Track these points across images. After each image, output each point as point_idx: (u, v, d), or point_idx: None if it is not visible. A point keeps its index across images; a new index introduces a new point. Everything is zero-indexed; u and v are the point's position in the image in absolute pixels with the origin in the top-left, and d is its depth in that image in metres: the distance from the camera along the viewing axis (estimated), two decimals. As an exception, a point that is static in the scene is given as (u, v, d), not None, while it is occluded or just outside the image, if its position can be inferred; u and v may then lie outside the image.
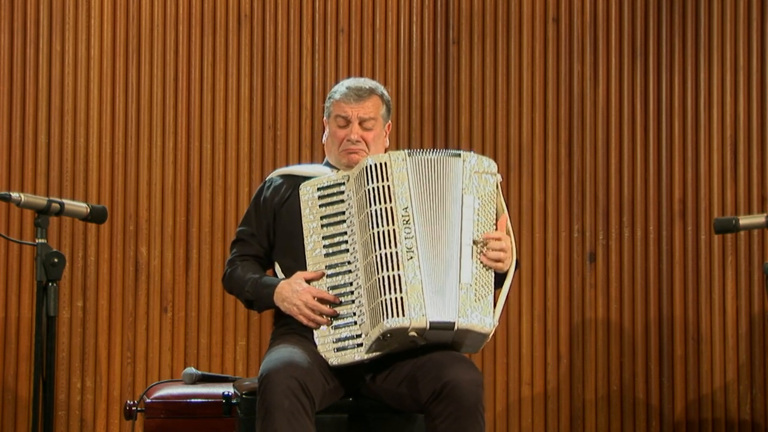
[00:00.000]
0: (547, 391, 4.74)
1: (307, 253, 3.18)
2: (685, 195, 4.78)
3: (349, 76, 4.74)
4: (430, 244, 3.08)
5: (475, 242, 3.09)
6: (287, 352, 3.03)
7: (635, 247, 4.77)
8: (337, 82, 4.72)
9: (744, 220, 3.74)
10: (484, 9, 4.81)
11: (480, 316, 3.03)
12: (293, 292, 3.15)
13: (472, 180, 3.16)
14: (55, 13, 4.72)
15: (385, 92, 3.42)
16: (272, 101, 4.75)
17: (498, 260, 3.11)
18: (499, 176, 3.22)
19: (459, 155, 3.19)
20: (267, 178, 3.47)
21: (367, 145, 3.31)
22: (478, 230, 3.11)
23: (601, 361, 4.74)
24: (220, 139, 4.73)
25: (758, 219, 3.74)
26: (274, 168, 4.67)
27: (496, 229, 3.15)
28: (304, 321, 3.13)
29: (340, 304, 3.11)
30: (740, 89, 4.81)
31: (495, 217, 3.17)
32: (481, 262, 3.09)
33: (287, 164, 4.59)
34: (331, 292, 3.13)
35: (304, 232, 3.19)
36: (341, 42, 4.78)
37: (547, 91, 4.81)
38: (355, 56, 4.78)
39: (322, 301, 3.12)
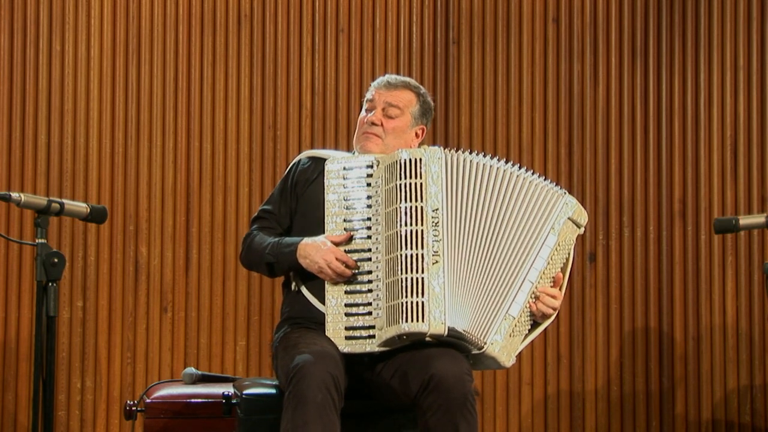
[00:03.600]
0: (547, 391, 4.74)
1: (327, 233, 3.13)
2: (685, 195, 4.79)
3: (349, 76, 4.75)
4: (468, 251, 3.05)
5: (534, 292, 3.10)
6: (318, 345, 3.01)
7: (635, 247, 4.77)
8: (337, 82, 4.76)
9: (744, 220, 3.74)
10: (484, 9, 4.81)
11: (508, 350, 3.05)
12: (317, 250, 3.11)
13: (562, 225, 3.14)
14: (55, 13, 4.72)
15: (426, 96, 3.38)
16: (272, 101, 4.75)
17: (544, 314, 3.12)
18: (581, 230, 3.20)
19: (564, 194, 3.17)
20: (296, 159, 3.43)
21: (384, 131, 3.27)
22: (544, 273, 3.11)
23: (601, 361, 4.74)
24: (220, 139, 4.73)
25: (758, 219, 3.74)
26: (274, 168, 4.69)
27: (554, 280, 3.15)
28: (325, 278, 3.09)
29: (358, 269, 3.07)
30: (740, 89, 4.81)
31: (560, 266, 3.16)
32: (530, 305, 3.10)
33: (287, 164, 4.59)
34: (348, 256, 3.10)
35: (326, 210, 3.13)
36: (341, 42, 4.78)
37: (547, 91, 4.81)
38: (355, 56, 4.78)
39: (345, 265, 3.08)
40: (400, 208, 3.01)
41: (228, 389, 3.57)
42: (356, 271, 3.08)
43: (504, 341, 3.03)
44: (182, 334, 4.68)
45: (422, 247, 2.98)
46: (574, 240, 3.19)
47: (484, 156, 3.16)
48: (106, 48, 4.72)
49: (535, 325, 3.16)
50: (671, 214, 4.78)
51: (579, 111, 4.80)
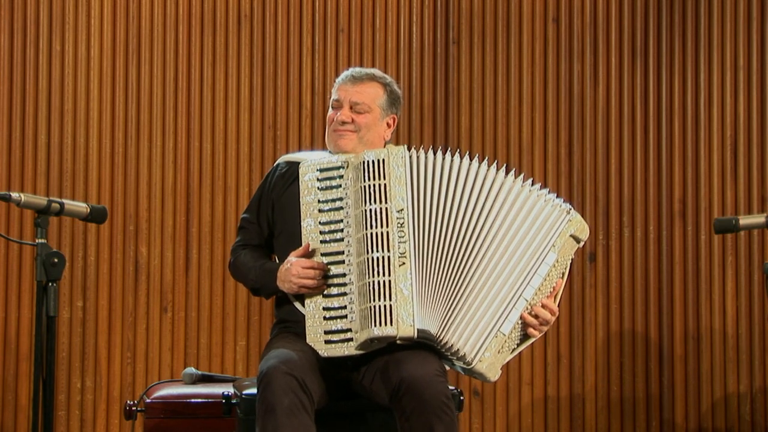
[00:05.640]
0: (547, 392, 4.74)
1: (303, 236, 3.12)
2: (685, 195, 4.79)
3: (349, 76, 4.74)
4: (439, 251, 3.02)
5: (530, 306, 3.06)
6: (285, 350, 3.02)
7: (635, 247, 4.77)
8: (337, 82, 4.76)
9: (744, 220, 3.74)
10: (484, 9, 4.81)
11: (495, 367, 3.03)
12: (286, 272, 3.11)
13: (563, 242, 3.10)
14: (55, 13, 4.72)
15: (393, 84, 3.36)
16: (272, 101, 4.75)
17: (536, 328, 3.08)
18: (581, 244, 3.15)
19: (569, 211, 3.12)
20: (275, 164, 3.43)
21: (357, 127, 3.25)
22: (540, 291, 3.07)
23: (601, 361, 4.74)
24: (220, 139, 4.73)
25: (758, 219, 3.74)
26: (274, 168, 4.69)
27: (550, 294, 3.10)
28: (306, 292, 3.08)
29: (328, 270, 3.06)
30: (740, 89, 4.81)
31: (556, 280, 3.12)
32: (523, 320, 3.06)
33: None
34: (325, 281, 3.08)
35: (302, 213, 3.12)
36: (341, 42, 4.78)
37: (547, 91, 4.81)
38: (355, 56, 4.78)
39: (312, 268, 3.07)
40: (366, 210, 3.00)
41: (228, 389, 3.56)
42: (327, 271, 3.06)
43: (492, 358, 3.02)
44: (182, 334, 4.68)
45: (388, 250, 2.97)
46: (573, 254, 3.15)
47: (472, 158, 3.12)
48: (106, 48, 4.72)
49: (524, 338, 3.12)
50: (671, 214, 4.78)
51: (579, 111, 4.80)
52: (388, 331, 2.93)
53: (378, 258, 2.97)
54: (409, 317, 2.94)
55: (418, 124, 4.76)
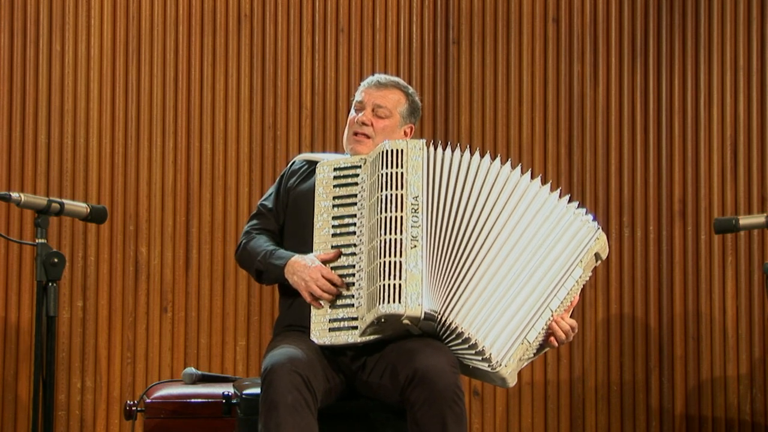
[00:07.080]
0: (547, 391, 4.74)
1: (315, 232, 3.14)
2: (685, 195, 4.79)
3: (349, 76, 4.75)
4: (449, 239, 3.03)
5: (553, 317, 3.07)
6: (290, 347, 3.02)
7: (635, 247, 4.77)
8: (337, 82, 4.76)
9: (744, 220, 3.74)
10: (484, 9, 4.81)
11: (514, 374, 3.06)
12: (305, 267, 3.11)
13: (588, 259, 3.14)
14: (55, 13, 4.72)
15: (414, 95, 3.42)
16: (272, 101, 4.75)
17: (555, 340, 3.10)
18: (598, 263, 3.20)
19: (597, 229, 3.17)
20: (292, 160, 3.48)
21: (374, 131, 3.29)
22: (563, 304, 3.09)
23: (601, 361, 4.74)
24: (220, 139, 4.73)
25: (758, 219, 3.75)
26: (274, 168, 4.69)
27: (567, 309, 3.12)
28: (308, 298, 3.09)
29: (348, 288, 3.08)
30: (740, 89, 4.81)
31: (574, 296, 3.15)
32: (545, 331, 3.07)
33: (287, 164, 4.59)
34: (334, 272, 3.09)
35: (315, 210, 3.16)
36: (341, 42, 4.78)
37: (547, 91, 4.81)
38: (355, 56, 4.78)
39: (330, 282, 3.08)
40: (382, 196, 3.03)
41: (228, 389, 3.57)
42: (342, 290, 3.07)
43: (514, 364, 3.04)
44: (182, 334, 4.68)
45: (401, 233, 2.98)
46: (591, 273, 3.18)
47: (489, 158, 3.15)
48: (106, 48, 4.72)
49: (540, 348, 3.14)
50: (671, 214, 4.78)
51: (579, 111, 4.80)
52: (394, 308, 2.92)
53: (390, 240, 2.97)
54: (417, 297, 2.93)
55: (418, 124, 4.75)
